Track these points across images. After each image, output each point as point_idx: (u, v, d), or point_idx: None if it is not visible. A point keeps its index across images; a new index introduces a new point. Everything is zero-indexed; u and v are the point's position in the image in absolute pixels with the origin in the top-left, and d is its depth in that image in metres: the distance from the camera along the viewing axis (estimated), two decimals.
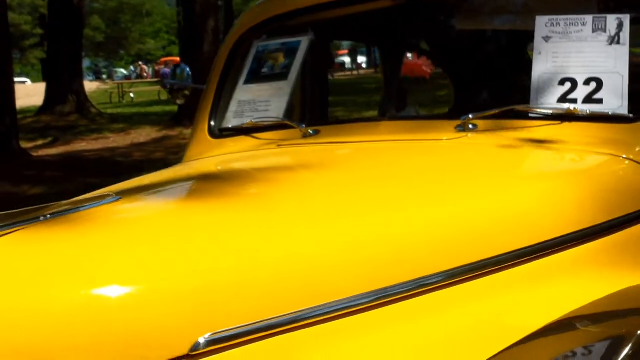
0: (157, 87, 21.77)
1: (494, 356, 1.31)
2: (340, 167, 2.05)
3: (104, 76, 51.14)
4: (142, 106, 23.42)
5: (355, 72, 24.62)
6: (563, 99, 2.17)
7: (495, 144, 2.08)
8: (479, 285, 1.57)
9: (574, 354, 1.43)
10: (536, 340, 1.40)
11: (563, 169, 2.00)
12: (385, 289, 1.41)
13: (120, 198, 1.55)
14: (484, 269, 1.56)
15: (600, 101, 2.15)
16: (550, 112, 2.15)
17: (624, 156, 1.96)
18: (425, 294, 1.46)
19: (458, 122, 2.16)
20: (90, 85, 35.25)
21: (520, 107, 2.17)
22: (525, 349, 1.37)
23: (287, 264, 1.36)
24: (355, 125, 2.38)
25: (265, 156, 2.25)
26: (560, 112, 2.14)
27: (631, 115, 2.11)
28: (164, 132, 15.13)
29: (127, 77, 45.30)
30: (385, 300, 1.40)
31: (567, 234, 1.72)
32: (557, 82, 2.19)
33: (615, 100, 2.13)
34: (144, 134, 15.57)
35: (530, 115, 2.18)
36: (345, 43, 20.16)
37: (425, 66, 2.34)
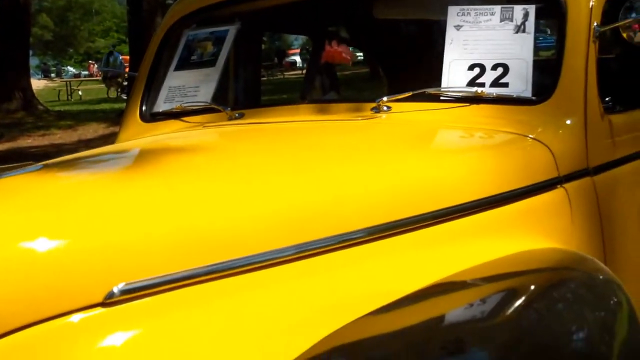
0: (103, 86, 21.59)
1: (389, 305, 1.43)
2: (260, 140, 2.17)
3: (53, 74, 50.57)
4: (90, 104, 23.29)
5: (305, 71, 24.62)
6: (472, 82, 2.31)
7: (408, 123, 2.21)
8: (390, 243, 1.68)
9: (469, 305, 1.55)
10: (425, 297, 1.52)
11: (469, 143, 2.14)
12: (305, 243, 1.51)
13: (44, 167, 1.66)
14: (394, 229, 1.68)
15: (506, 85, 2.29)
16: (459, 94, 2.29)
17: (527, 135, 2.10)
18: (342, 249, 1.58)
19: (373, 105, 2.28)
20: (38, 84, 34.93)
21: (432, 90, 2.30)
22: (417, 302, 1.50)
23: (202, 220, 1.47)
24: (278, 108, 2.50)
25: (190, 135, 2.36)
26: (469, 94, 2.27)
27: (534, 98, 2.25)
28: (111, 129, 15.10)
29: (76, 76, 44.84)
30: (304, 254, 1.51)
31: (471, 201, 1.84)
32: (466, 68, 2.33)
33: (520, 84, 2.28)
34: (91, 131, 15.52)
35: (442, 97, 2.32)
36: (296, 42, 20.24)
37: (345, 53, 2.47)
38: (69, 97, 28.01)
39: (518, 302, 1.59)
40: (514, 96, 2.25)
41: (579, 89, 2.24)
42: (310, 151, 2.00)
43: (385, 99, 2.28)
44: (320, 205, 1.62)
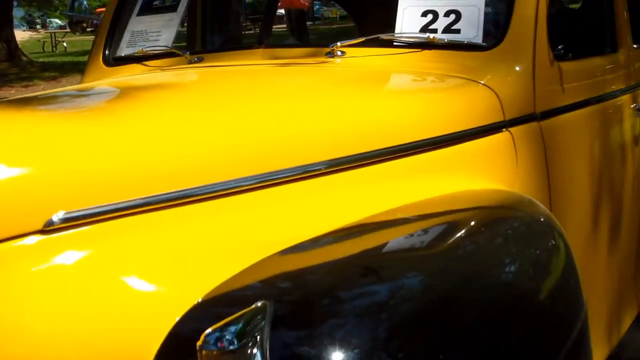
0: (91, 37, 21.48)
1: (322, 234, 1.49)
2: (218, 80, 2.22)
3: (38, 26, 50.06)
4: (75, 55, 23.15)
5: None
6: (425, 28, 2.36)
7: (360, 67, 2.26)
8: (342, 178, 1.75)
9: (404, 236, 1.61)
10: (360, 229, 1.58)
11: (417, 87, 2.20)
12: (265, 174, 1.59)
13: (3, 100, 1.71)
14: (347, 164, 1.75)
15: (458, 31, 2.34)
16: (412, 40, 2.33)
17: (475, 80, 2.15)
18: (298, 181, 1.65)
19: (328, 50, 2.33)
20: (23, 35, 34.64)
21: (385, 36, 2.35)
22: (351, 233, 1.56)
23: (148, 151, 1.54)
24: (237, 52, 2.55)
25: (150, 77, 2.41)
26: (422, 40, 2.32)
27: (485, 44, 2.30)
28: None
29: (61, 27, 44.41)
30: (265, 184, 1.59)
31: (417, 141, 1.90)
32: (420, 14, 2.38)
33: (471, 30, 2.32)
34: (75, 82, 15.43)
35: (395, 43, 2.36)
36: None
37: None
38: (54, 48, 27.81)
39: (453, 235, 1.65)
40: (465, 42, 2.30)
41: (528, 36, 2.28)
42: (266, 90, 2.05)
43: (339, 44, 2.32)
44: (276, 139, 1.68)
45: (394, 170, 1.86)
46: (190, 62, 2.52)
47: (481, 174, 2.05)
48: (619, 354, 2.76)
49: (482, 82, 2.15)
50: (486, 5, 2.35)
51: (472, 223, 1.74)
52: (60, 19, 55.17)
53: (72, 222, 1.38)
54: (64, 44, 27.95)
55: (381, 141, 1.86)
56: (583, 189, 2.45)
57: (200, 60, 2.51)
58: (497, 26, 2.35)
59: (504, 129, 2.12)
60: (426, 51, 2.32)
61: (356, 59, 2.30)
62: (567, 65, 2.44)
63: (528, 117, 2.20)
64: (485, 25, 2.33)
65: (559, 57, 2.44)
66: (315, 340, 1.19)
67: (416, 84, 2.21)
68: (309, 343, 1.19)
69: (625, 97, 2.84)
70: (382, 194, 1.79)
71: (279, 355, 1.16)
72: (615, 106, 2.71)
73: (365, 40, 2.34)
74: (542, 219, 1.88)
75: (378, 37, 2.36)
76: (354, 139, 1.83)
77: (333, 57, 2.32)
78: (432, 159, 1.94)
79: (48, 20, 53.85)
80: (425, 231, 1.66)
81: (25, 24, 51.72)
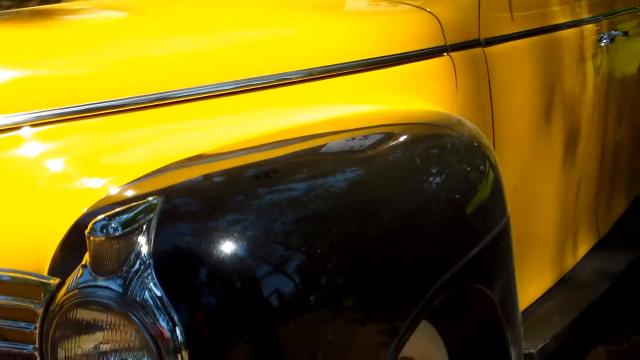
0: None
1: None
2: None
3: None
4: None
5: None
6: None
7: None
8: (289, 91, 1.88)
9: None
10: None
11: (362, 11, 2.29)
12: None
13: None
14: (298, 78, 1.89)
15: None
16: None
17: (419, 6, 2.24)
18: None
19: None
20: None
21: None
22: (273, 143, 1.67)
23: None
24: None
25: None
26: None
27: None
28: None
29: None
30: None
31: (355, 61, 2.01)
32: None
33: None
34: None
35: None
36: None
37: None
38: None
39: (369, 145, 1.74)
40: None
41: None
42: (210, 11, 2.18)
43: None
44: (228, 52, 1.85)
45: (334, 87, 1.97)
46: None
47: (419, 95, 2.14)
48: (572, 277, 2.85)
49: (424, 8, 2.23)
50: None
51: (393, 136, 1.83)
52: None
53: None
54: None
55: (326, 59, 1.96)
56: (531, 116, 2.53)
57: None
58: None
59: (444, 53, 2.20)
60: None
61: None
62: None
63: (471, 42, 2.29)
64: None
65: None
66: (200, 233, 1.29)
67: (360, 8, 2.30)
68: (194, 234, 1.29)
69: (587, 27, 2.89)
70: (322, 109, 1.90)
71: (163, 242, 1.26)
72: (572, 36, 2.77)
73: None
74: (475, 143, 1.97)
75: None
76: (302, 55, 1.95)
77: None
78: (371, 79, 2.04)
79: None
80: (342, 142, 1.75)
81: None
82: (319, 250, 1.40)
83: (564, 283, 2.81)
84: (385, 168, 1.68)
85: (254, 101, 1.82)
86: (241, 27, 2.02)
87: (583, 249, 3.03)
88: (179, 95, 1.69)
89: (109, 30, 2.02)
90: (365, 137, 1.80)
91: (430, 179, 1.78)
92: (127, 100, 1.64)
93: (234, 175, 1.47)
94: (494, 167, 2.00)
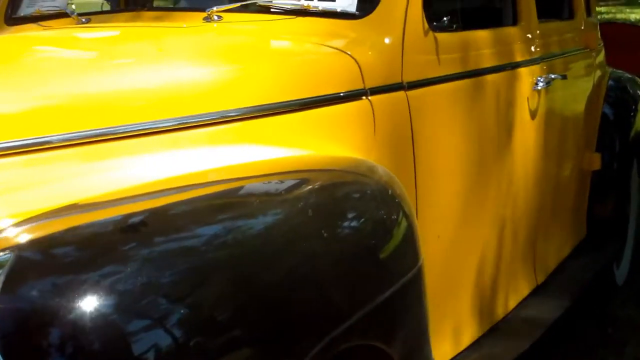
0: None
1: None
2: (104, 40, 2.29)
3: None
4: None
5: None
6: None
7: (232, 32, 2.29)
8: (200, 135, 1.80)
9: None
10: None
11: (277, 52, 2.22)
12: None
13: None
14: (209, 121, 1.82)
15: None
16: (288, 7, 2.36)
17: (338, 48, 2.18)
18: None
19: (205, 14, 2.36)
20: None
21: (262, 2, 2.37)
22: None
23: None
24: (121, 14, 2.58)
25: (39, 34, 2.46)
26: (297, 7, 2.34)
27: (357, 13, 2.32)
28: None
29: None
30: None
31: (270, 104, 1.93)
32: None
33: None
34: None
35: (272, 9, 2.38)
36: None
37: None
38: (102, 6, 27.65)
39: (274, 194, 1.71)
40: (338, 10, 2.32)
41: (400, 7, 2.30)
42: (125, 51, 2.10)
43: (215, 8, 2.35)
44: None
45: (247, 130, 1.89)
46: (78, 23, 2.56)
47: (335, 139, 2.08)
48: (503, 325, 2.79)
49: (344, 50, 2.17)
50: None
51: (298, 183, 1.78)
52: None
53: None
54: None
55: (238, 101, 1.89)
56: (457, 161, 2.47)
57: (87, 20, 2.55)
58: None
59: (363, 97, 2.14)
60: (300, 18, 2.35)
61: (231, 24, 2.33)
62: (447, 37, 2.46)
63: (393, 86, 2.23)
64: None
65: (437, 28, 2.45)
66: (53, 291, 1.22)
67: (276, 50, 2.24)
68: (44, 293, 1.22)
69: (521, 71, 2.85)
70: (231, 154, 1.82)
71: (9, 303, 1.19)
72: (504, 79, 2.73)
73: (242, 5, 2.36)
74: (378, 184, 1.92)
75: (255, 3, 2.38)
76: (215, 97, 1.88)
77: (210, 21, 2.35)
78: (286, 122, 1.97)
79: None
80: (241, 189, 1.69)
81: None
82: (198, 303, 1.34)
83: (494, 331, 2.74)
84: (282, 215, 1.63)
85: (159, 144, 1.73)
86: (150, 68, 1.94)
87: (518, 296, 2.97)
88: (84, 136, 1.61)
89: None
90: (267, 183, 1.76)
91: (330, 227, 1.72)
92: (45, 138, 1.56)
93: (102, 227, 1.39)
94: (406, 216, 1.94)
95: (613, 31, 6.14)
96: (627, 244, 4.19)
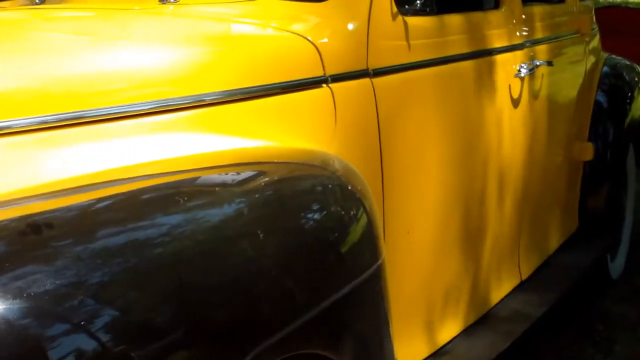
0: None
1: None
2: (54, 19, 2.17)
3: None
4: None
5: None
6: None
7: (187, 14, 2.17)
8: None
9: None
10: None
11: (230, 37, 2.09)
12: None
13: None
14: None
15: None
16: None
17: (298, 33, 2.05)
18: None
19: None
20: None
21: None
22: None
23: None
24: None
25: None
26: None
27: None
28: None
29: None
30: None
31: (222, 91, 1.81)
32: None
33: None
34: None
35: None
36: None
37: None
38: None
39: (219, 188, 1.58)
40: None
41: None
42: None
43: None
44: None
45: (196, 119, 1.76)
46: (32, 3, 2.44)
47: (292, 129, 1.95)
48: (485, 320, 2.67)
49: (303, 35, 2.05)
50: None
51: (246, 176, 1.66)
52: None
53: None
54: None
55: (187, 89, 1.76)
56: (429, 153, 2.34)
57: (41, 2, 2.43)
58: None
59: (323, 85, 2.01)
60: (260, 0, 2.22)
61: (187, 7, 2.20)
62: (418, 21, 2.32)
63: (356, 73, 2.10)
64: None
65: (411, 12, 2.31)
66: None
67: (230, 35, 2.11)
68: None
69: (502, 57, 2.71)
70: (180, 143, 1.70)
71: None
72: (482, 66, 2.59)
73: None
74: (335, 177, 1.81)
75: None
76: (159, 86, 1.74)
77: (165, 3, 2.22)
78: (241, 110, 1.85)
79: None
80: (183, 183, 1.56)
81: None
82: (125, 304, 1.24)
83: (472, 329, 2.61)
84: (220, 213, 1.51)
85: (103, 134, 1.61)
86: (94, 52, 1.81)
87: (500, 292, 2.84)
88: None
89: None
90: (211, 177, 1.61)
91: (276, 225, 1.59)
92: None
93: (20, 224, 1.28)
94: (365, 211, 1.82)
95: (614, 15, 5.99)
96: (624, 235, 4.04)
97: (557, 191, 3.36)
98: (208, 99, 1.79)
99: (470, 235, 2.61)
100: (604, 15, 5.05)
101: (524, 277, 3.02)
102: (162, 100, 1.72)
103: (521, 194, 2.91)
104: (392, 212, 2.20)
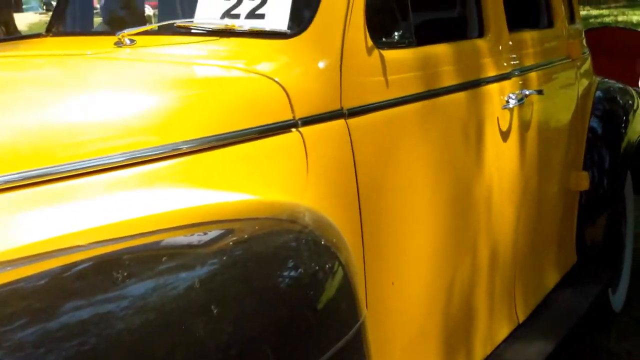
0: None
1: None
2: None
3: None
4: None
5: None
6: (227, 13, 2.08)
7: (143, 58, 1.99)
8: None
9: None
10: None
11: (188, 81, 1.90)
12: None
13: None
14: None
15: (262, 16, 2.06)
16: (209, 27, 2.06)
17: (263, 73, 1.88)
18: None
19: (116, 39, 2.06)
20: (33, 18, 34.54)
21: (181, 22, 2.07)
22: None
23: None
24: (22, 41, 2.28)
25: None
26: (220, 27, 2.04)
27: (288, 32, 2.02)
28: None
29: None
30: None
31: (180, 142, 1.64)
32: None
33: (276, 16, 2.05)
34: None
35: (193, 30, 2.09)
36: None
37: None
38: None
39: (178, 250, 1.44)
40: (267, 29, 2.02)
41: (337, 23, 2.00)
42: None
43: (126, 31, 2.05)
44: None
45: (155, 173, 1.60)
46: None
47: (259, 179, 1.78)
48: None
49: (270, 76, 1.87)
50: None
51: (202, 237, 1.51)
52: None
53: None
54: None
55: (143, 141, 1.59)
56: (413, 197, 2.16)
57: None
58: (305, 11, 2.06)
59: (292, 129, 1.83)
60: (225, 39, 2.05)
61: (142, 50, 2.02)
62: (397, 54, 2.15)
63: (329, 114, 1.92)
64: (293, 10, 2.05)
65: (389, 45, 2.14)
66: None
67: (191, 79, 1.92)
68: None
69: (489, 88, 2.54)
70: (138, 201, 1.54)
71: None
72: (468, 99, 2.41)
73: (160, 27, 2.06)
74: (306, 233, 1.65)
75: (173, 23, 2.08)
76: (113, 140, 1.58)
77: (122, 45, 2.04)
78: (199, 162, 1.67)
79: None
80: (143, 247, 1.40)
81: (43, 6, 51.65)
82: None
83: None
84: (190, 277, 1.37)
85: (55, 195, 1.46)
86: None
87: (496, 339, 2.65)
88: None
89: None
90: (180, 239, 1.47)
91: (243, 290, 1.44)
92: None
93: None
94: (342, 265, 1.66)
95: (612, 36, 5.84)
96: (625, 265, 3.86)
97: (553, 225, 3.18)
98: (168, 151, 1.61)
99: (463, 281, 2.43)
100: (596, 37, 4.90)
101: (521, 320, 2.83)
102: (119, 155, 1.56)
103: (515, 232, 2.73)
104: (375, 262, 2.03)
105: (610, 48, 5.55)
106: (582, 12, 19.79)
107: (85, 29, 2.46)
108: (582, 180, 3.35)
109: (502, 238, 2.63)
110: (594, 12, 19.36)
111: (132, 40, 2.06)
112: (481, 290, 2.53)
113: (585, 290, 3.28)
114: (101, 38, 2.17)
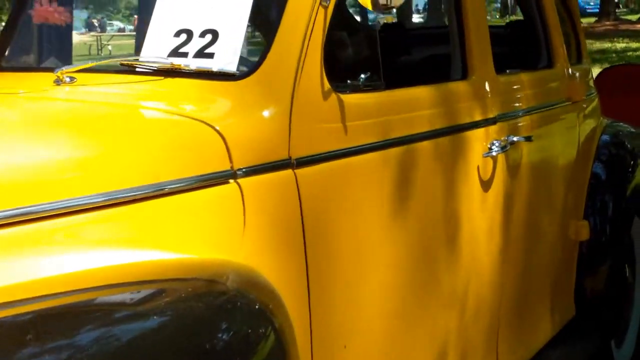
0: None
1: None
2: None
3: (98, 29, 50.73)
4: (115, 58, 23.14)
5: None
6: (175, 52, 1.94)
7: (78, 98, 1.86)
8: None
9: None
10: None
11: (126, 127, 1.76)
12: None
13: None
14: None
15: (211, 55, 1.92)
16: (155, 66, 1.92)
17: (201, 119, 1.74)
18: None
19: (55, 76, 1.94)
20: (75, 38, 34.97)
21: (123, 60, 1.94)
22: None
23: None
24: None
25: None
26: (166, 66, 1.91)
27: (237, 73, 1.88)
28: None
29: (120, 30, 44.80)
30: None
31: (101, 193, 1.52)
32: (173, 34, 1.96)
33: (225, 55, 1.92)
34: None
35: (137, 69, 1.95)
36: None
37: (58, 13, 2.11)
38: (99, 51, 27.91)
39: (97, 315, 1.38)
40: (215, 70, 1.88)
41: (290, 65, 1.86)
42: None
43: (65, 69, 1.92)
44: None
45: (77, 227, 1.49)
46: None
47: (191, 235, 1.64)
48: None
49: (209, 122, 1.73)
50: (250, 26, 1.91)
51: (122, 303, 1.43)
52: (122, 21, 55.86)
53: None
54: (109, 47, 28.02)
55: (67, 191, 1.48)
56: (374, 253, 2.00)
57: None
58: (256, 52, 1.92)
59: (230, 180, 1.68)
60: (169, 79, 1.91)
61: (81, 89, 1.89)
62: (360, 98, 1.99)
63: (275, 164, 1.77)
64: (245, 50, 1.91)
65: (351, 89, 1.99)
66: None
67: (123, 124, 1.78)
68: None
69: (469, 134, 2.37)
70: (53, 259, 1.43)
71: None
72: (443, 147, 2.25)
73: (105, 64, 1.94)
74: (257, 306, 1.57)
75: (117, 61, 1.95)
76: (36, 189, 1.46)
77: (60, 83, 1.91)
78: (124, 216, 1.53)
79: (107, 22, 54.41)
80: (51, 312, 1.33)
81: (86, 27, 52.41)
82: None
83: None
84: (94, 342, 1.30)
85: None
86: None
87: None
88: None
89: None
90: (87, 303, 1.39)
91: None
92: None
93: None
94: (275, 331, 1.55)
95: (634, 73, 5.61)
96: (634, 316, 3.63)
97: (546, 277, 2.98)
98: (92, 204, 1.49)
99: (432, 342, 2.26)
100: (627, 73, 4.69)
101: None
102: (38, 206, 1.45)
103: (496, 285, 2.55)
104: (323, 325, 1.86)
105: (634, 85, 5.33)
106: (621, 45, 19.41)
107: (27, 64, 2.34)
108: (582, 230, 3.15)
109: (480, 292, 2.45)
110: (634, 44, 18.95)
111: (72, 78, 1.94)
112: (453, 351, 2.34)
113: (585, 344, 3.07)
114: (42, 75, 2.04)
